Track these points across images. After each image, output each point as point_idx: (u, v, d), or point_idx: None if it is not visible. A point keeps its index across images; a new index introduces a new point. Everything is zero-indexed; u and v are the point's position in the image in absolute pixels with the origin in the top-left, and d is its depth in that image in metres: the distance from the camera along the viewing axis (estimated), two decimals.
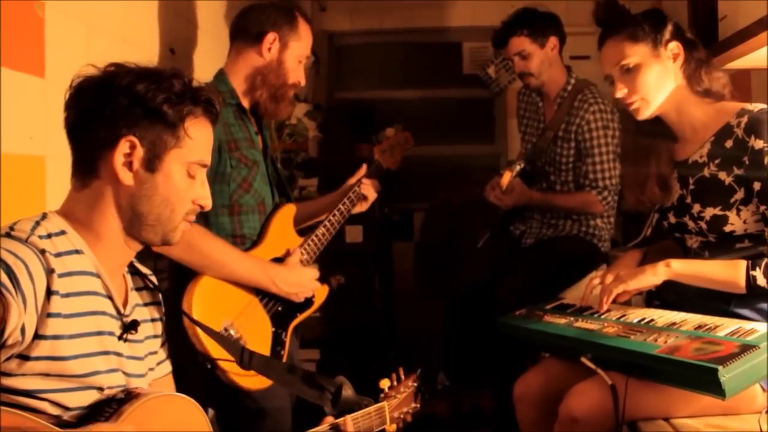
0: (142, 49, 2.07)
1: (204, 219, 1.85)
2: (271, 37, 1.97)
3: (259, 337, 1.84)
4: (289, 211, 2.05)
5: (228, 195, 1.89)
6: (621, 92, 1.70)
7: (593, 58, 3.33)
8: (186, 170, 1.21)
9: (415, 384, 1.69)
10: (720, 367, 1.28)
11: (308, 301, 1.97)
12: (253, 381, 1.74)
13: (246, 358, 1.44)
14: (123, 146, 1.15)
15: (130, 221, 1.19)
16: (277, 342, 1.90)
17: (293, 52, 2.00)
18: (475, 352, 2.66)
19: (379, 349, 3.17)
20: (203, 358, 1.66)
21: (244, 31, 2.00)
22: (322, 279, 1.99)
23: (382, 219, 3.42)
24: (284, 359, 1.90)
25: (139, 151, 1.16)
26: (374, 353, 3.11)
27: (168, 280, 1.96)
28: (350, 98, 4.07)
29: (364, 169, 2.19)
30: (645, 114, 1.71)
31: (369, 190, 2.15)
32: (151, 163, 1.17)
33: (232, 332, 1.75)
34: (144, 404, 1.12)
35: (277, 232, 1.97)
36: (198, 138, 1.21)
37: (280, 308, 1.91)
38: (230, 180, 1.89)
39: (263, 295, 1.87)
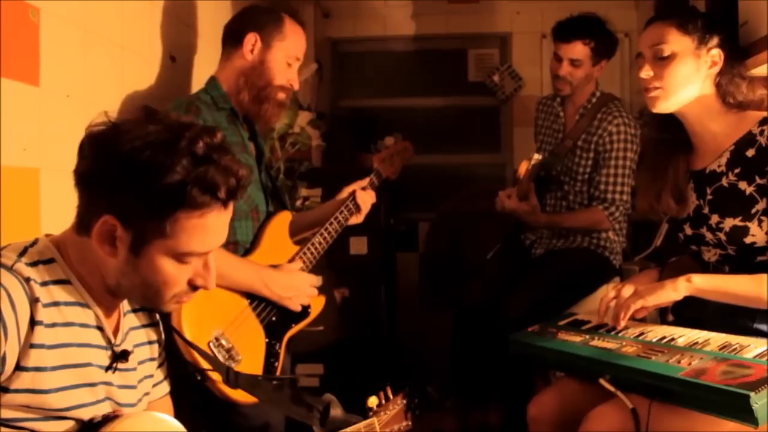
0: (142, 56, 2.01)
1: None
2: (251, 37, 1.92)
3: (251, 347, 1.78)
4: (284, 218, 1.99)
5: None
6: (646, 73, 1.64)
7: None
8: (175, 259, 1.08)
9: (404, 401, 1.67)
10: (752, 393, 1.20)
11: (304, 312, 1.92)
12: (244, 393, 1.69)
13: (232, 377, 1.39)
14: (102, 224, 1.05)
15: (116, 286, 1.11)
16: (270, 353, 1.84)
17: (278, 52, 1.95)
18: (484, 368, 2.58)
19: (385, 363, 3.09)
20: (193, 368, 1.60)
21: (230, 35, 1.97)
22: (327, 292, 1.93)
23: (387, 230, 3.34)
24: (278, 372, 1.84)
25: (120, 233, 1.05)
26: (379, 368, 3.03)
27: None
28: (354, 106, 4.01)
29: (366, 180, 2.13)
30: (660, 106, 1.66)
31: (365, 200, 2.08)
32: (134, 247, 1.06)
33: (223, 342, 1.69)
34: (120, 423, 1.08)
35: (271, 240, 1.92)
36: (189, 230, 1.06)
37: (274, 318, 1.85)
38: None
39: (257, 303, 1.81)
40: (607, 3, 3.04)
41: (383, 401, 1.60)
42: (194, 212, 1.05)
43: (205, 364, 1.60)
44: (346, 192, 2.11)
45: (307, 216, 2.17)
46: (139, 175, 1.02)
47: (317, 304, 1.96)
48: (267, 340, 1.83)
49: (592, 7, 2.72)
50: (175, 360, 1.61)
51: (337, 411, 1.44)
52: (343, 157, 3.51)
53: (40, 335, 1.01)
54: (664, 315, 1.97)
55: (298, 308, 1.88)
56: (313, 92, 3.57)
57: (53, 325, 1.04)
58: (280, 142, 2.82)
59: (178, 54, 2.22)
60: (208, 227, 1.08)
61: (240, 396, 1.68)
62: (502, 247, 2.82)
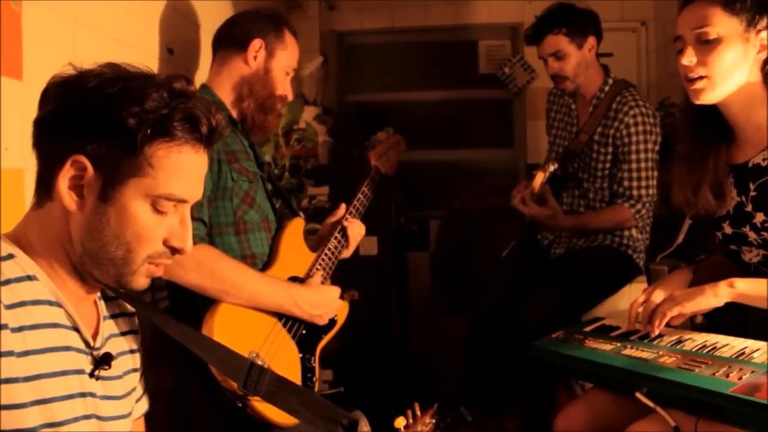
0: (137, 49, 1.89)
1: (209, 240, 1.70)
2: (257, 43, 1.85)
3: (287, 365, 1.69)
4: (297, 225, 1.90)
5: (232, 211, 1.73)
6: (689, 60, 1.48)
7: (616, 56, 3.14)
8: (151, 205, 0.99)
9: (433, 420, 1.53)
10: None
11: (331, 321, 1.83)
12: (284, 415, 1.58)
13: (254, 377, 1.24)
14: (70, 168, 0.96)
15: (80, 256, 0.99)
16: (306, 368, 1.75)
17: (280, 62, 1.88)
18: (501, 375, 2.46)
19: (397, 368, 2.98)
20: (231, 395, 1.49)
21: (229, 39, 1.89)
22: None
23: (398, 229, 3.22)
24: (316, 387, 1.77)
25: (90, 175, 0.96)
26: (392, 373, 2.91)
27: (168, 298, 1.80)
28: (361, 101, 3.89)
29: (342, 209, 2.00)
30: (704, 98, 1.51)
31: (354, 233, 1.95)
32: (104, 192, 0.97)
33: (258, 362, 1.58)
34: None
35: (288, 249, 1.83)
36: (168, 167, 0.98)
37: (304, 331, 1.76)
38: (233, 195, 1.73)
39: (286, 318, 1.72)
40: None
41: (411, 421, 1.47)
42: (172, 146, 0.98)
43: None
44: (329, 222, 1.99)
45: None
46: (113, 104, 0.94)
47: (342, 312, 1.88)
48: (301, 355, 1.74)
49: None
50: (193, 382, 1.51)
51: (365, 429, 1.31)
52: (351, 154, 3.39)
53: (7, 341, 0.89)
54: (694, 318, 1.84)
55: (326, 322, 1.80)
56: (318, 87, 3.45)
57: (20, 329, 0.91)
58: (285, 138, 2.70)
59: (176, 46, 2.10)
60: (187, 167, 1.01)
61: (284, 418, 1.55)
62: (517, 245, 2.69)
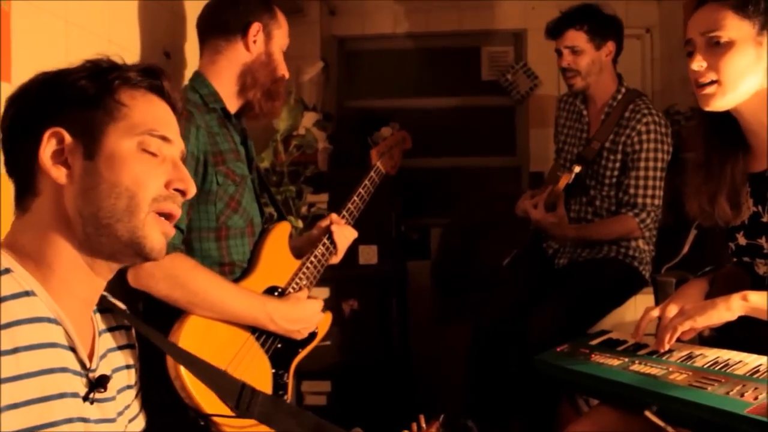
0: (132, 51, 1.85)
1: (187, 245, 1.63)
2: (256, 27, 1.76)
3: (257, 381, 1.57)
4: (283, 230, 1.81)
5: (215, 216, 1.65)
6: (698, 64, 1.44)
7: (620, 63, 3.09)
8: (138, 146, 0.98)
9: None
10: None
11: (311, 334, 1.76)
12: None
13: (246, 399, 1.21)
14: (48, 141, 0.96)
15: (84, 233, 0.96)
16: (278, 385, 1.68)
17: (278, 43, 1.82)
18: (503, 389, 2.40)
19: (397, 379, 2.91)
20: (194, 413, 1.43)
21: (222, 25, 1.78)
22: (335, 304, 1.77)
23: (399, 238, 3.16)
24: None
25: (69, 141, 0.96)
26: (391, 384, 2.85)
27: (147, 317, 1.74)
28: (362, 107, 3.84)
29: (342, 219, 1.91)
30: (715, 104, 1.46)
31: (341, 238, 1.86)
32: (88, 149, 0.96)
33: None
34: None
35: (271, 256, 1.75)
36: (139, 105, 1.00)
37: (279, 345, 1.69)
38: (217, 199, 1.65)
39: (260, 332, 1.64)
40: None
41: None
42: (137, 90, 1.02)
43: (208, 409, 1.43)
44: (320, 226, 1.90)
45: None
46: (69, 76, 0.98)
47: (324, 324, 1.80)
48: (273, 371, 1.67)
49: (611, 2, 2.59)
50: (169, 399, 1.46)
51: None
52: (351, 161, 3.34)
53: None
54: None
55: (304, 337, 1.73)
56: (319, 92, 3.40)
57: (15, 350, 0.86)
58: (284, 144, 2.65)
59: (173, 50, 2.05)
60: (158, 107, 1.04)
61: None
62: (520, 254, 2.65)
